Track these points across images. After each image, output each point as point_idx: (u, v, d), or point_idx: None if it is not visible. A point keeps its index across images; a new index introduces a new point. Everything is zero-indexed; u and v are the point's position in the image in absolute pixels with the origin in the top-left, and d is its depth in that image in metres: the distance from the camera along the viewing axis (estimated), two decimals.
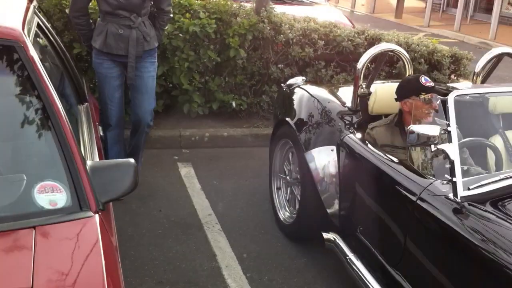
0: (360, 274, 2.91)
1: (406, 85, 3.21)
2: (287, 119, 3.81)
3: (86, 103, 3.09)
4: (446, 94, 2.75)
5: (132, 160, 2.05)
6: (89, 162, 2.00)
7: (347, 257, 3.06)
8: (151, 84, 4.02)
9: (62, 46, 3.21)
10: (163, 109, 5.42)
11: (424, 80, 3.11)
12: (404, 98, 3.16)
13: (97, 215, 1.83)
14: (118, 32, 3.68)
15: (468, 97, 3.31)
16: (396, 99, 3.24)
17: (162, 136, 5.14)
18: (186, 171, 4.66)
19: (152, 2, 3.87)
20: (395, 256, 2.76)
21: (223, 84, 5.45)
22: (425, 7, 17.86)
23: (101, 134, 3.34)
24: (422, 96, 3.05)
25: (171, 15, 4.10)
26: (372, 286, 2.80)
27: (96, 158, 2.39)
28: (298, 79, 4.22)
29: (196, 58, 5.18)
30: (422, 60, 5.74)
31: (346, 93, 3.83)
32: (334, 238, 3.26)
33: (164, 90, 5.41)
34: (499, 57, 3.95)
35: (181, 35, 5.08)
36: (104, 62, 3.83)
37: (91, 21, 3.92)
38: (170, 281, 3.15)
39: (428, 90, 3.06)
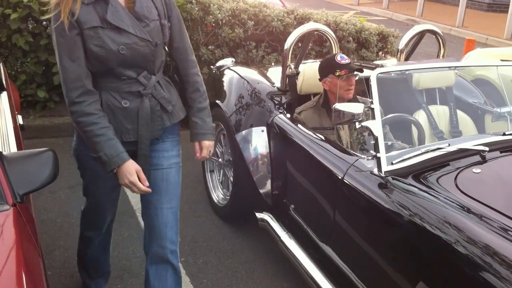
0: (293, 251, 2.96)
1: (324, 64, 3.26)
2: (217, 101, 3.78)
3: (4, 91, 2.95)
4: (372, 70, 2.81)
5: (51, 149, 1.98)
6: (4, 153, 1.91)
7: (280, 236, 3.10)
8: (175, 177, 2.43)
9: None
10: None
11: (340, 57, 3.16)
12: (324, 77, 3.21)
13: (13, 208, 1.76)
14: (121, 106, 2.18)
15: (392, 74, 3.41)
16: (319, 79, 3.28)
17: None
18: None
19: (166, 49, 2.32)
20: (325, 232, 2.82)
21: None
22: None
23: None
24: (338, 73, 3.10)
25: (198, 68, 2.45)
26: (305, 262, 2.85)
27: (14, 149, 2.29)
28: (228, 61, 4.20)
29: None
30: (351, 38, 5.84)
31: (276, 74, 3.85)
32: (267, 218, 3.29)
33: None
34: (421, 34, 4.07)
35: None
36: None
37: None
38: None
39: (344, 67, 3.12)
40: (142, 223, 3.57)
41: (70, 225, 3.50)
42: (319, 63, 3.35)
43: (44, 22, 5.00)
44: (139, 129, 2.22)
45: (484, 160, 2.47)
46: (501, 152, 2.56)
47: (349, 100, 3.15)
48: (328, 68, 3.18)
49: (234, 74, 3.91)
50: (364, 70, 3.31)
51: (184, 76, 2.35)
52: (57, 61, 2.10)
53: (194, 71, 2.36)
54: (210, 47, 5.54)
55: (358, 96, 3.28)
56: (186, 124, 2.44)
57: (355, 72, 3.13)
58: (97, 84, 2.16)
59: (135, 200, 3.87)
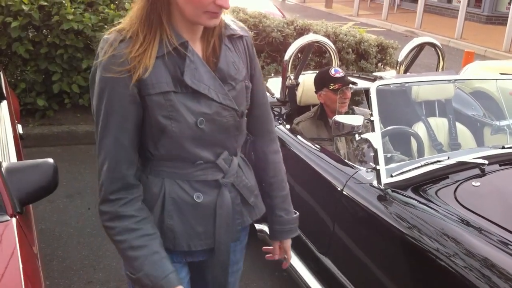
0: (292, 263, 2.95)
1: (318, 77, 3.28)
2: None
3: (4, 100, 2.95)
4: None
5: (51, 160, 1.98)
6: (4, 164, 1.92)
7: None
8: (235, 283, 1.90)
9: None
10: (89, 103, 5.26)
11: (334, 71, 3.18)
12: (319, 90, 3.23)
13: (14, 219, 1.76)
14: (192, 200, 1.56)
15: (392, 86, 3.42)
16: (315, 92, 3.29)
17: (90, 131, 5.01)
18: None
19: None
20: (324, 244, 2.82)
21: None
22: None
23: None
24: (331, 87, 3.12)
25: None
26: (304, 274, 2.85)
27: (14, 159, 2.29)
28: None
29: None
30: (350, 50, 5.87)
31: (275, 84, 3.86)
32: (266, 229, 3.28)
33: None
34: (421, 47, 4.09)
35: (106, 26, 4.94)
36: None
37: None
38: (101, 281, 3.08)
39: (338, 80, 3.13)
40: None
41: (69, 235, 3.49)
42: (315, 76, 3.37)
43: (44, 31, 5.02)
44: (216, 232, 1.59)
45: (483, 173, 2.47)
46: (500, 166, 2.56)
47: (345, 112, 3.17)
48: (322, 82, 3.20)
49: None
50: (364, 82, 3.33)
51: (262, 154, 1.77)
52: (96, 130, 1.50)
53: (274, 148, 1.79)
54: None
55: (354, 107, 3.29)
56: None
57: (350, 85, 3.14)
58: (157, 170, 1.54)
59: None
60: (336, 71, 3.18)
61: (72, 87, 5.12)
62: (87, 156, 4.70)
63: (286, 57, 3.65)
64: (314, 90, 3.29)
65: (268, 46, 5.66)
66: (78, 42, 5.01)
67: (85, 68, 5.09)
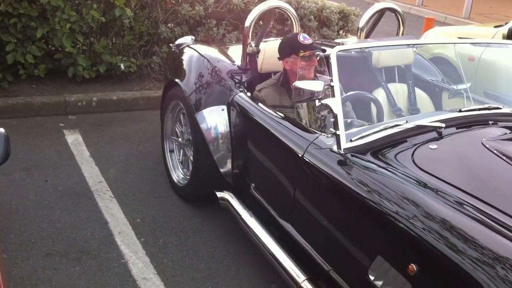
0: (254, 229, 2.95)
1: (285, 44, 3.23)
2: (176, 80, 3.72)
3: None
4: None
5: (1, 129, 1.90)
6: None
7: (241, 214, 3.09)
8: None
9: None
10: (45, 74, 5.12)
11: (302, 38, 3.13)
12: (285, 57, 3.18)
13: None
14: None
15: (352, 52, 3.41)
16: (279, 58, 3.25)
17: (46, 102, 4.85)
18: (74, 138, 4.44)
19: None
20: (285, 210, 2.82)
21: (110, 46, 5.22)
22: None
23: None
24: (301, 54, 3.08)
25: None
26: (265, 240, 2.85)
27: None
28: (187, 39, 4.12)
29: (79, 18, 4.89)
30: (312, 17, 5.83)
31: (237, 52, 3.80)
32: (228, 197, 3.27)
33: (46, 53, 5.10)
34: (381, 12, 4.08)
35: None
36: None
37: None
38: (60, 252, 3.02)
39: (306, 47, 3.09)
40: (100, 204, 3.53)
41: (26, 208, 3.41)
42: (280, 42, 3.32)
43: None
44: None
45: (440, 136, 2.51)
46: (457, 128, 2.60)
47: (312, 79, 3.14)
48: (290, 48, 3.15)
49: (194, 52, 3.85)
50: (327, 49, 3.30)
51: None
52: None
53: None
54: (169, 25, 5.44)
55: (318, 74, 3.27)
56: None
57: (318, 52, 3.11)
58: None
59: (92, 181, 3.79)
60: (305, 37, 3.14)
61: (26, 58, 4.95)
62: (44, 128, 4.58)
63: (247, 23, 3.59)
64: (278, 56, 3.24)
65: (229, 13, 5.57)
66: (32, 11, 4.82)
67: (40, 38, 4.91)
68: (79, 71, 5.09)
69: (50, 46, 5.15)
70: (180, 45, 4.06)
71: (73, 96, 4.99)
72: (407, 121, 2.59)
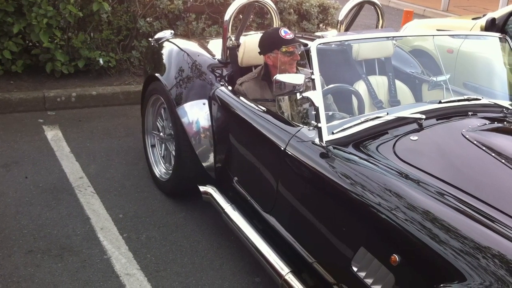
0: (237, 223, 2.96)
1: (267, 39, 3.22)
2: (156, 74, 3.69)
3: None
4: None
5: None
6: None
7: (224, 208, 3.09)
8: None
9: None
10: (23, 69, 5.05)
11: (284, 32, 3.13)
12: (267, 52, 3.18)
13: None
14: None
15: (333, 45, 3.42)
16: (260, 53, 3.24)
17: (24, 98, 4.79)
18: (53, 134, 4.39)
19: None
20: (268, 203, 2.83)
21: (88, 41, 5.17)
22: None
23: None
24: (284, 50, 3.08)
25: None
26: (249, 233, 2.86)
27: None
28: (167, 33, 4.09)
29: (56, 13, 4.83)
30: (292, 10, 5.83)
31: (217, 46, 3.79)
32: (210, 191, 3.27)
33: (23, 49, 5.03)
34: (360, 5, 4.10)
35: None
36: None
37: None
38: (41, 249, 3.00)
39: (288, 42, 3.09)
40: (81, 200, 3.50)
41: (6, 205, 3.36)
42: (260, 37, 3.31)
43: None
44: None
45: (421, 128, 2.53)
46: (437, 120, 2.62)
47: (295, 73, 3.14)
48: (272, 44, 3.14)
49: (174, 46, 3.82)
50: (306, 42, 3.31)
51: None
52: None
53: None
54: (148, 19, 5.40)
55: (299, 68, 3.27)
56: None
57: (301, 47, 3.11)
58: None
59: (73, 177, 3.76)
60: (286, 32, 3.13)
61: (3, 53, 4.87)
62: (23, 124, 4.52)
63: (226, 17, 3.57)
64: (259, 51, 3.23)
65: (208, 7, 5.55)
66: (8, 6, 4.75)
67: (17, 33, 4.84)
68: (57, 66, 5.04)
69: (27, 42, 5.08)
70: (159, 39, 4.03)
71: (51, 91, 4.93)
72: (388, 113, 2.61)
